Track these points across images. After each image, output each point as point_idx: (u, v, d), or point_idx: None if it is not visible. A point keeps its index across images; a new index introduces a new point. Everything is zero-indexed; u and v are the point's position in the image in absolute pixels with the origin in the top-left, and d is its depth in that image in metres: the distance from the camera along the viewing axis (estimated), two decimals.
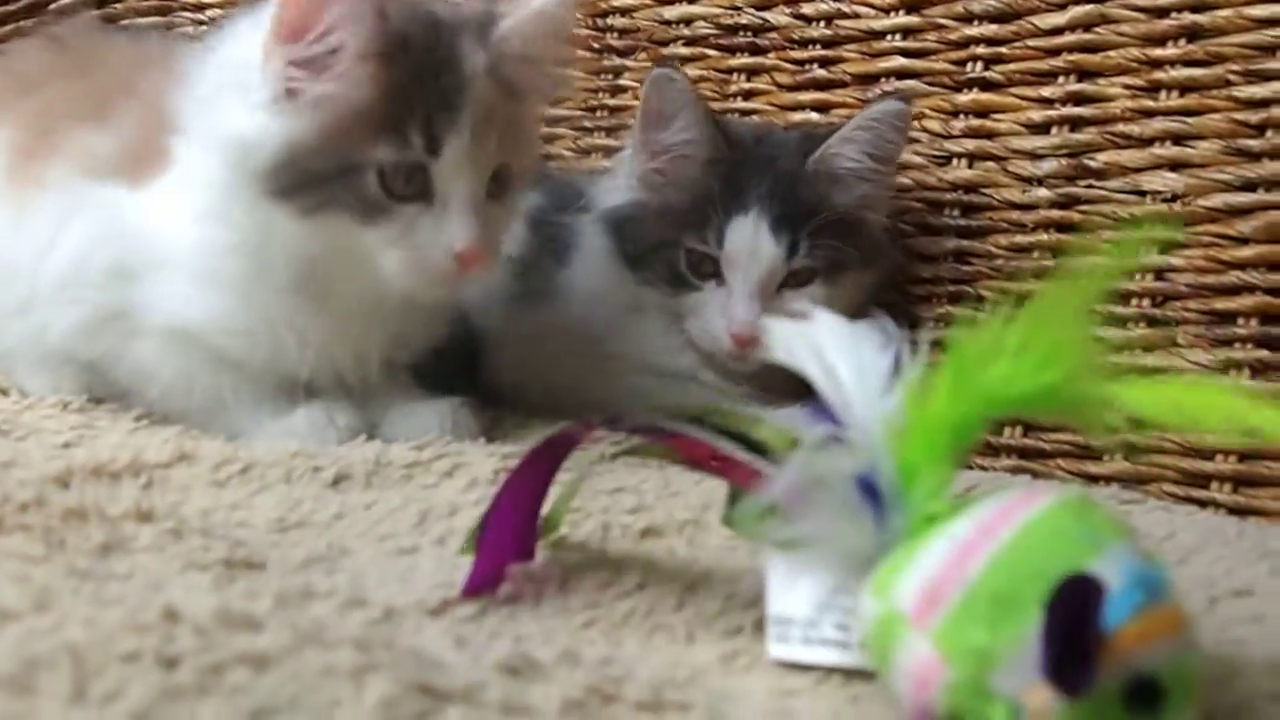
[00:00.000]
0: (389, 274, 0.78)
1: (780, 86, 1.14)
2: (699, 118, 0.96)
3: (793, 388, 0.86)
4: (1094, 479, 0.92)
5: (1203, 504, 0.87)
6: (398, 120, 0.75)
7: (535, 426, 0.87)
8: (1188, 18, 0.94)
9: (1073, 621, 0.41)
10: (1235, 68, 0.92)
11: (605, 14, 1.24)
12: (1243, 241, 0.90)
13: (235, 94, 0.77)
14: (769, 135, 1.03)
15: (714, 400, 0.91)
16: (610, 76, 1.24)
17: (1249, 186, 0.90)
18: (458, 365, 0.92)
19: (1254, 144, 0.91)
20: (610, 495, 0.71)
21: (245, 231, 0.79)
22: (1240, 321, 0.90)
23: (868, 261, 0.98)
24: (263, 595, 0.51)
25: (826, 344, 0.53)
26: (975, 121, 1.03)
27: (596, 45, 1.24)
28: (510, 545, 0.57)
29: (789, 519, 0.49)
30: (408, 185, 0.76)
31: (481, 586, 0.55)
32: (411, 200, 0.77)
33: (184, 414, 0.82)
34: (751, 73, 1.16)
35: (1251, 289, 0.90)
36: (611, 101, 1.24)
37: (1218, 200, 0.91)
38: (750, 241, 0.94)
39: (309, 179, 0.76)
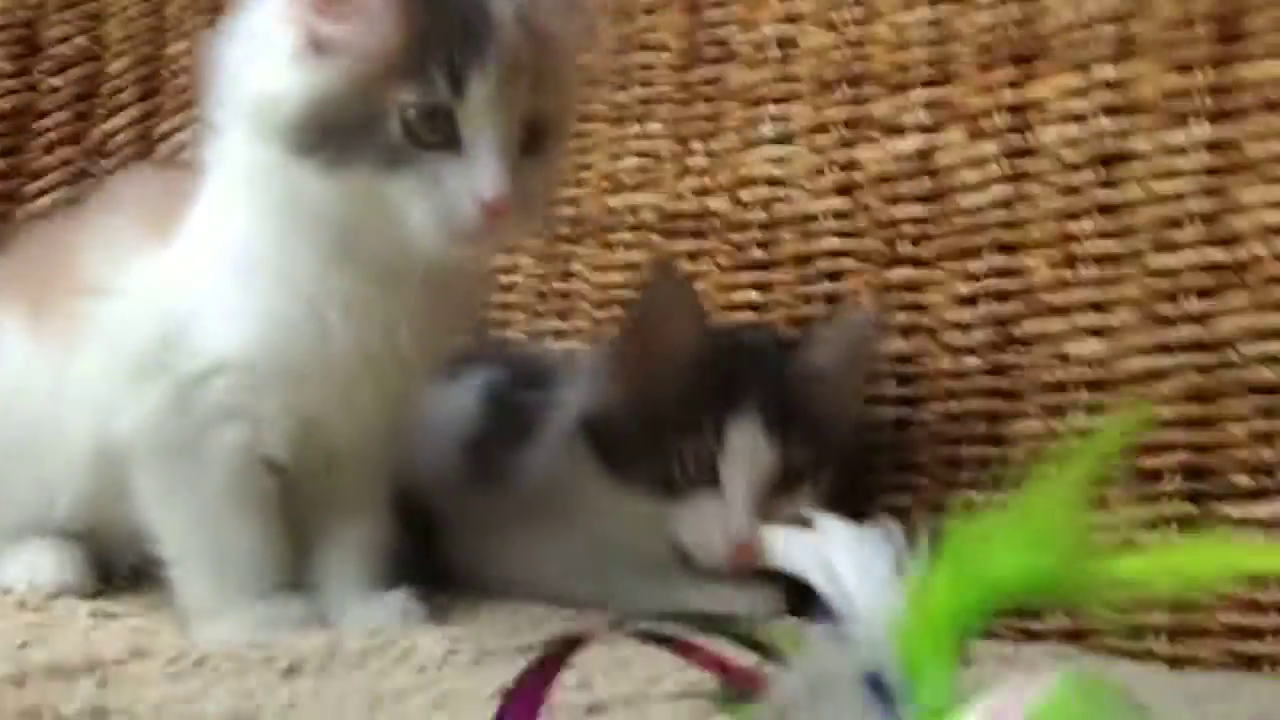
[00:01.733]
0: (414, 228, 0.75)
1: (721, 268, 1.18)
2: (697, 316, 0.96)
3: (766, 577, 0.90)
4: (1033, 635, 0.94)
5: (1139, 656, 0.89)
6: (421, 62, 0.74)
7: (486, 609, 0.89)
8: (1100, 194, 0.99)
9: None
10: (1147, 239, 0.97)
11: (554, 203, 1.29)
12: (1165, 402, 0.94)
13: (258, 58, 0.77)
14: (747, 334, 1.05)
15: (682, 593, 0.93)
16: (561, 262, 1.29)
17: (1166, 350, 0.95)
18: (409, 546, 0.92)
19: (1168, 310, 0.95)
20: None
21: (273, 199, 0.78)
22: (1166, 478, 0.93)
23: (842, 459, 0.98)
24: None
25: (828, 548, 0.52)
26: (907, 295, 1.07)
27: (546, 233, 1.29)
28: None
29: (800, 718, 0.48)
30: (433, 131, 0.74)
31: None
32: (437, 148, 0.74)
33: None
34: (693, 256, 1.20)
35: (1175, 447, 0.93)
36: (562, 285, 1.28)
37: (1138, 364, 0.95)
38: (750, 441, 0.92)
39: (333, 131, 0.75)
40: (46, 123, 1.51)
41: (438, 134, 0.75)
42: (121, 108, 1.52)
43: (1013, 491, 0.47)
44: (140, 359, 0.82)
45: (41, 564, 0.89)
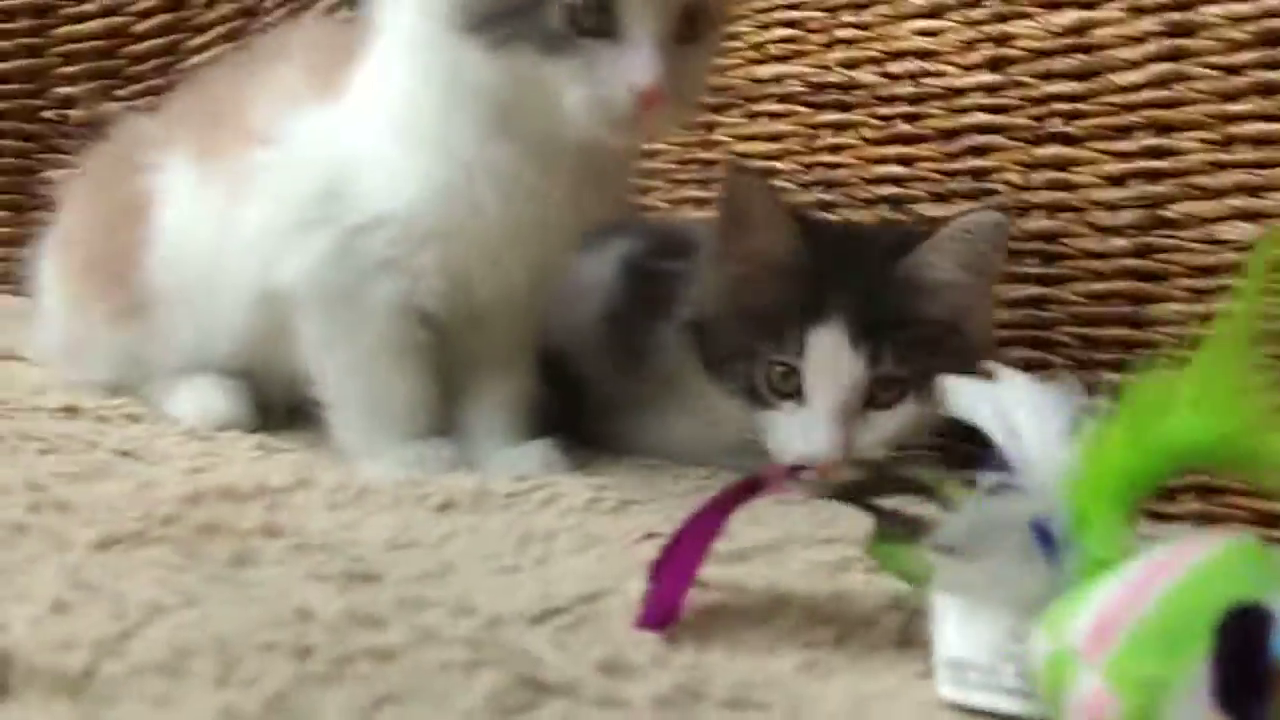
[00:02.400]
0: (570, 111, 0.76)
1: (866, 141, 1.18)
2: (779, 220, 0.92)
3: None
4: (1166, 518, 0.94)
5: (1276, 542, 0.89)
6: None
7: (626, 463, 0.92)
8: (1262, 75, 0.97)
9: (1243, 648, 0.41)
10: None
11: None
12: None
13: None
14: (857, 236, 1.00)
15: None
16: (703, 131, 1.29)
17: None
18: (556, 405, 0.94)
19: None
20: None
21: (438, 71, 0.80)
22: None
23: (965, 372, 0.95)
24: (382, 601, 0.56)
25: (1008, 400, 0.54)
26: (1054, 174, 1.06)
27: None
28: (686, 581, 0.59)
29: (963, 560, 0.50)
30: (593, 19, 0.75)
31: (660, 619, 0.57)
32: (596, 35, 0.75)
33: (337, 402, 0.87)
34: (838, 128, 1.20)
35: None
36: (704, 155, 1.29)
37: None
38: (831, 354, 0.89)
39: (498, 11, 0.77)
40: None
41: (597, 22, 0.75)
42: None
43: (1189, 356, 0.49)
44: (303, 209, 0.85)
45: (209, 398, 0.94)
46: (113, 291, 0.97)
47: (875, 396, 0.90)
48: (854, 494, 0.61)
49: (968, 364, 0.91)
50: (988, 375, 0.56)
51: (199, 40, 1.55)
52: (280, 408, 0.96)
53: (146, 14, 1.55)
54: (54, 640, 0.47)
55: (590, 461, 0.92)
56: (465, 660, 0.49)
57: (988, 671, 0.51)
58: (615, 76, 0.75)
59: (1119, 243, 1.02)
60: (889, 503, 0.60)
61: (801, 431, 0.89)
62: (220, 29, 1.54)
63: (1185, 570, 0.46)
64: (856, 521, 0.62)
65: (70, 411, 0.92)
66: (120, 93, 1.54)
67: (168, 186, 0.95)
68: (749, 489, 0.60)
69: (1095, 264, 1.03)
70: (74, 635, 0.47)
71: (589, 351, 1.02)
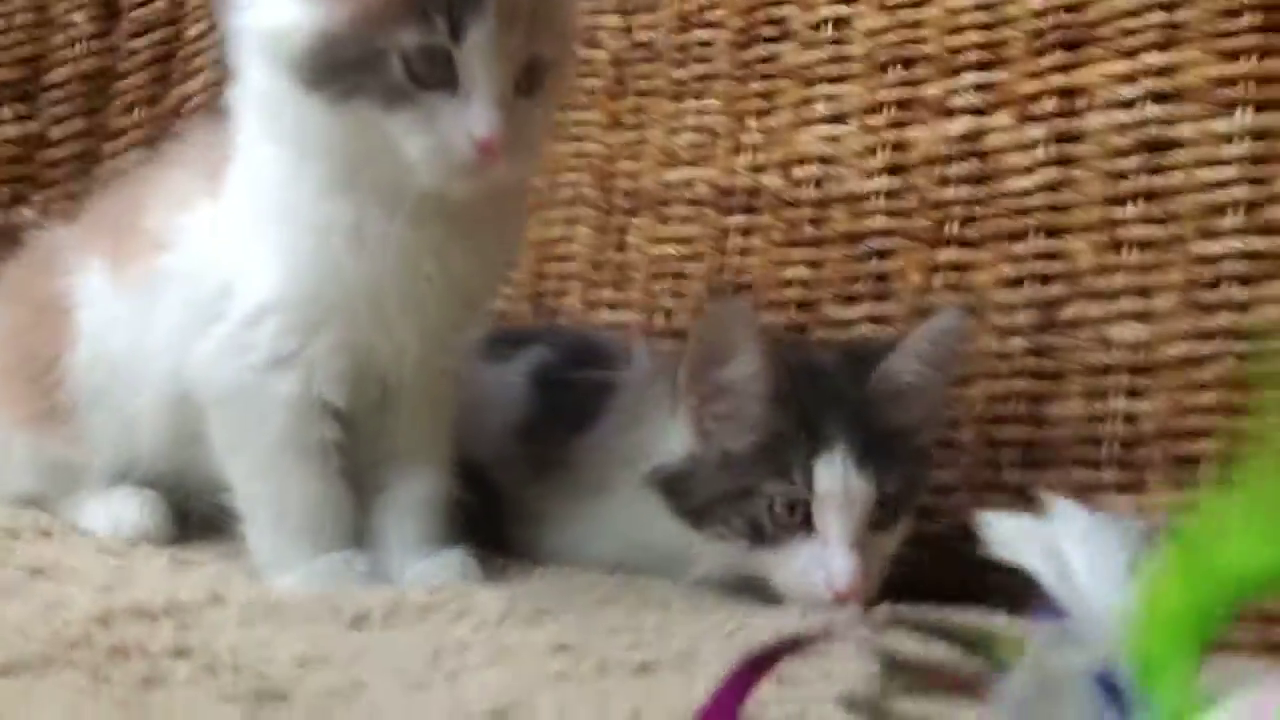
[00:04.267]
0: (413, 162, 0.79)
1: (773, 244, 1.21)
2: (764, 348, 0.89)
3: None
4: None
5: None
6: (423, 5, 0.77)
7: (539, 572, 0.93)
8: (1145, 180, 1.02)
9: None
10: (1190, 226, 0.99)
11: (612, 175, 1.33)
12: (1203, 389, 0.97)
13: None
14: (826, 355, 0.98)
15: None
16: (617, 233, 1.32)
17: (1206, 337, 0.97)
18: (470, 513, 0.94)
19: (1209, 296, 0.98)
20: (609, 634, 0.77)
21: (286, 132, 0.82)
22: (1203, 464, 0.96)
23: (928, 481, 0.96)
24: None
25: (1059, 538, 0.50)
26: (954, 276, 1.10)
27: (603, 205, 1.33)
28: None
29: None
30: (432, 72, 0.77)
31: None
32: (436, 88, 0.77)
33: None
34: (746, 231, 1.23)
35: (1212, 433, 0.96)
36: (618, 257, 1.32)
37: (1178, 350, 0.98)
38: (842, 481, 0.87)
39: (339, 66, 0.78)
40: (125, 84, 1.56)
41: (436, 74, 0.77)
42: (197, 71, 1.56)
43: (1238, 482, 0.45)
44: (199, 309, 0.87)
45: (124, 511, 0.95)
46: (32, 397, 0.97)
47: (876, 518, 0.89)
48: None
49: (928, 473, 0.95)
50: (1034, 505, 0.51)
51: (115, 144, 1.56)
52: (198, 517, 0.96)
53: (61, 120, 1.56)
54: None
55: (505, 569, 0.93)
56: None
57: None
58: (455, 127, 0.78)
59: (1017, 342, 1.06)
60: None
61: (817, 564, 0.87)
62: (137, 134, 1.55)
63: None
64: None
65: None
66: (36, 198, 1.55)
67: (85, 291, 0.96)
68: (787, 648, 0.54)
69: (995, 363, 1.07)
70: None
71: (503, 461, 1.02)
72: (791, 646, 0.53)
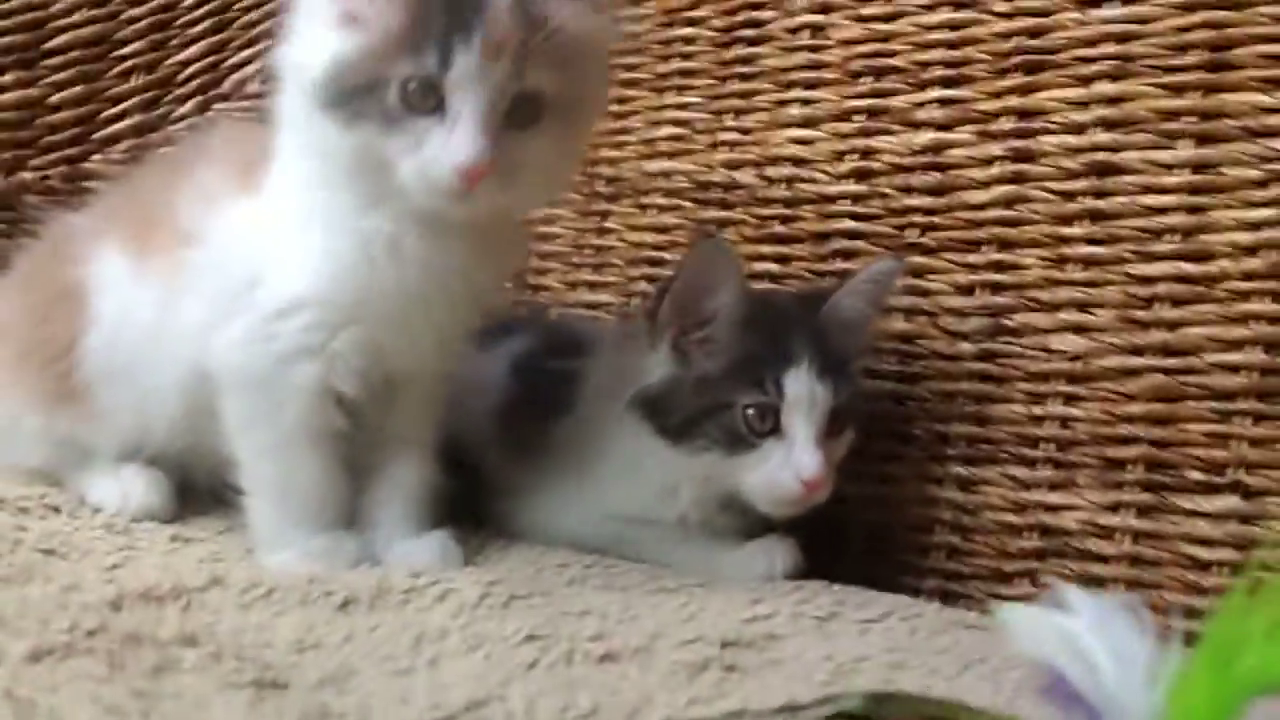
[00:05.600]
0: (404, 182, 0.87)
1: (745, 239, 1.28)
2: (742, 279, 1.04)
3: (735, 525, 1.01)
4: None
5: None
6: (419, 40, 0.85)
7: (515, 553, 1.01)
8: (1091, 202, 1.08)
9: None
10: (1130, 248, 1.06)
11: (595, 163, 1.39)
12: (1132, 399, 1.04)
13: (305, 24, 0.89)
14: (774, 295, 1.13)
15: (702, 552, 1.04)
16: (598, 219, 1.39)
17: (1138, 352, 1.05)
18: (455, 491, 1.02)
19: (1143, 315, 1.05)
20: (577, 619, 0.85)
21: (314, 147, 0.90)
22: (1129, 468, 1.04)
23: (864, 402, 1.08)
24: (288, 712, 0.64)
25: (1080, 633, 0.51)
26: (912, 280, 1.17)
27: (585, 191, 1.39)
28: None
29: None
30: (424, 100, 0.85)
31: None
32: (426, 114, 0.85)
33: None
34: (720, 225, 1.30)
35: (1138, 441, 1.04)
36: (597, 241, 1.39)
37: (1112, 362, 1.06)
38: (809, 388, 1.00)
39: (348, 92, 0.87)
40: (124, 51, 1.60)
41: (428, 102, 0.85)
42: (194, 40, 1.61)
43: (1262, 584, 0.49)
44: (227, 301, 0.93)
45: (132, 489, 1.01)
46: (46, 379, 1.03)
47: (830, 427, 1.02)
48: None
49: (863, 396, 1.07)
50: (1057, 604, 0.52)
51: (113, 110, 1.61)
52: (201, 490, 1.03)
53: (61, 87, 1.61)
54: None
55: (483, 549, 1.01)
56: None
57: None
58: (440, 153, 0.85)
59: (966, 347, 1.13)
60: None
61: (787, 461, 1.00)
62: (134, 100, 1.60)
63: None
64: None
65: None
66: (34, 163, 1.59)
67: (103, 278, 1.01)
68: None
69: (945, 365, 1.14)
70: None
71: (483, 442, 1.10)
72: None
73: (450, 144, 0.85)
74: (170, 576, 0.84)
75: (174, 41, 1.61)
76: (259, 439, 0.95)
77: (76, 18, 1.57)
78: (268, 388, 0.93)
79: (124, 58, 1.60)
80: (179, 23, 1.61)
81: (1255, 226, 1.01)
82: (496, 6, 0.86)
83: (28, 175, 1.53)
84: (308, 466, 0.94)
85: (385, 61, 0.85)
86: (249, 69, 1.60)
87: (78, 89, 1.57)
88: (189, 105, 1.59)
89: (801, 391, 1.00)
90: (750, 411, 1.00)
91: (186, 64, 1.60)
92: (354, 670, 0.74)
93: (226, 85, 1.60)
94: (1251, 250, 1.01)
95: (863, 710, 0.53)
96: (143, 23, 1.60)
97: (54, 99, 1.58)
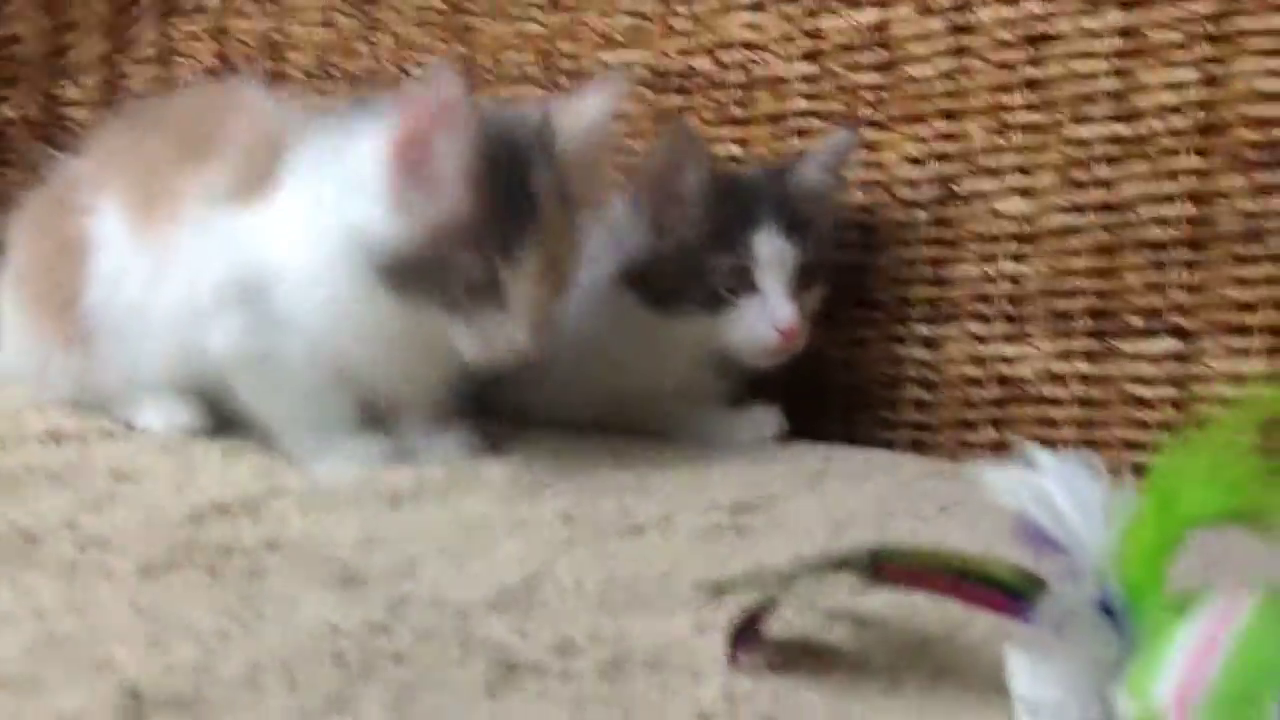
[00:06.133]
0: (463, 349, 0.97)
1: (704, 123, 1.35)
2: (708, 157, 1.14)
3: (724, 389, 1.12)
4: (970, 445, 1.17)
5: None
6: (482, 236, 0.94)
7: (533, 442, 1.10)
8: (1028, 71, 1.17)
9: None
10: (1066, 112, 1.15)
11: (553, 55, 1.45)
12: (1076, 254, 1.15)
13: (356, 188, 0.96)
14: (743, 168, 1.24)
15: (696, 417, 1.15)
16: None
17: (1079, 209, 1.15)
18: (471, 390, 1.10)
19: (1081, 175, 1.15)
20: (599, 497, 0.95)
21: (355, 298, 0.98)
22: (1076, 319, 1.15)
23: (831, 262, 1.18)
24: (376, 603, 0.74)
25: (1047, 486, 0.59)
26: (867, 155, 1.26)
27: (547, 84, 1.45)
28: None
29: (1048, 638, 0.55)
30: (486, 290, 0.95)
31: None
32: (487, 302, 0.95)
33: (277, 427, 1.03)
34: (680, 111, 1.37)
35: (1083, 293, 1.15)
36: None
37: (1055, 221, 1.16)
38: (777, 247, 1.11)
39: (411, 272, 0.95)
40: None
41: (489, 292, 0.95)
42: None
43: (1198, 433, 0.56)
44: (223, 293, 1.00)
45: (172, 409, 1.08)
46: (61, 321, 1.09)
47: (801, 281, 1.12)
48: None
49: (832, 256, 1.17)
50: (1025, 461, 0.61)
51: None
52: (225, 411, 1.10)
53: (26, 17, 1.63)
54: (160, 669, 0.63)
55: (502, 439, 1.09)
56: (457, 654, 0.67)
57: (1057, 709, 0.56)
58: (503, 334, 0.96)
59: (920, 214, 1.23)
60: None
61: (763, 313, 1.11)
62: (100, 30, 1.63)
63: (1235, 637, 0.51)
64: None
65: (54, 437, 1.05)
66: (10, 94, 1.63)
67: (101, 233, 1.07)
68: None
69: (902, 233, 1.24)
70: (173, 665, 0.64)
71: None
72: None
73: (514, 329, 0.96)
74: (234, 490, 0.93)
75: None
76: (271, 398, 1.03)
77: None
78: (272, 361, 1.01)
79: None
80: None
81: (1179, 87, 1.11)
82: (546, 201, 0.96)
83: (10, 111, 1.57)
84: (325, 401, 1.03)
85: (451, 253, 0.94)
86: None
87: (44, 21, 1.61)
88: (149, 27, 1.62)
89: (771, 250, 1.11)
90: (725, 271, 1.11)
91: None
92: (417, 559, 0.83)
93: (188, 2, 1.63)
94: (1177, 109, 1.11)
95: (867, 561, 0.63)
96: None
97: (19, 29, 1.61)
